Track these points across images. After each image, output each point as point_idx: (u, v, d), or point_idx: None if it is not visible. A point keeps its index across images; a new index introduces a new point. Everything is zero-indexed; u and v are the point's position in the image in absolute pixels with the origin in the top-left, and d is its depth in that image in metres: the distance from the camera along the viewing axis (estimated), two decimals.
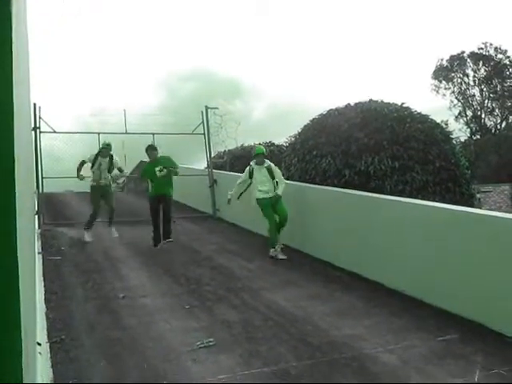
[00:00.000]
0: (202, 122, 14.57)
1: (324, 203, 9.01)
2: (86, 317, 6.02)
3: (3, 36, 1.93)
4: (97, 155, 10.70)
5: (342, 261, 8.32)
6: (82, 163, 10.76)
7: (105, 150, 10.75)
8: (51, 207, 14.10)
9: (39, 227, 11.21)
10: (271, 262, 8.73)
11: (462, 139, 39.23)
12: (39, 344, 4.68)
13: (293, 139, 11.55)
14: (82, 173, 10.76)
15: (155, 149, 10.05)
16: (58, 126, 12.90)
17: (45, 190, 12.63)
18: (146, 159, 18.52)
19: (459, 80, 43.19)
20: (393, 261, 7.23)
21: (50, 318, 5.84)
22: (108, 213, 10.86)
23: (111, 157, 10.80)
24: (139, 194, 19.07)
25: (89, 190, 10.90)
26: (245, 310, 6.28)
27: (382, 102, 10.15)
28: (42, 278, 7.41)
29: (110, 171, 10.71)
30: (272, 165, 9.17)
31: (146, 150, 10.13)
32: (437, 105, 44.78)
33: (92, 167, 10.63)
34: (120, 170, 10.95)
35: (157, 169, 9.88)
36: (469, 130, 43.39)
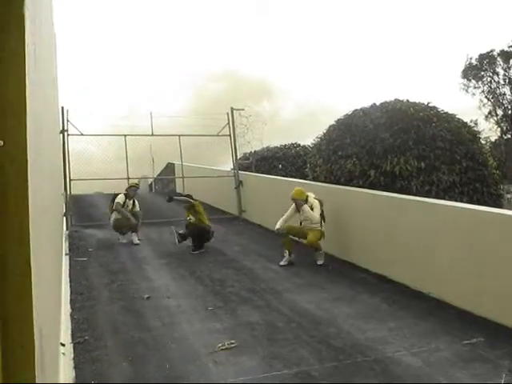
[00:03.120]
0: (228, 123, 14.64)
1: (349, 204, 8.91)
2: (110, 317, 6.07)
3: (16, 40, 1.95)
4: (125, 197, 10.87)
5: (368, 262, 8.23)
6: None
7: (132, 190, 11.03)
8: (80, 209, 14.29)
9: (67, 228, 11.36)
10: (296, 264, 8.67)
11: (493, 139, 38.44)
12: (63, 344, 4.73)
13: (318, 140, 11.43)
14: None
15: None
16: (88, 129, 13.13)
17: (75, 192, 12.82)
18: (173, 161, 18.79)
19: (489, 79, 42.34)
20: (419, 263, 7.11)
21: (74, 318, 5.91)
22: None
23: (134, 201, 11.05)
24: (168, 195, 19.18)
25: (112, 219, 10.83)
26: (268, 312, 6.25)
27: (407, 101, 9.97)
28: (68, 279, 7.51)
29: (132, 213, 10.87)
30: (313, 202, 8.92)
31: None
32: (466, 104, 44.06)
33: (122, 207, 10.74)
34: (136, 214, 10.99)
35: None
36: (499, 129, 42.52)
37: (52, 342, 3.59)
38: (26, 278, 1.88)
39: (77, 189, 13.34)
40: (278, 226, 8.98)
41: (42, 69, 3.64)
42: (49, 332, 3.26)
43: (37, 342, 1.95)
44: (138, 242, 10.56)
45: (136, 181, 11.82)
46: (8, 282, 1.83)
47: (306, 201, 8.94)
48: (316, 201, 8.94)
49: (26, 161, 1.93)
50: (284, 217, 9.07)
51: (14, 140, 1.90)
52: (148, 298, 6.78)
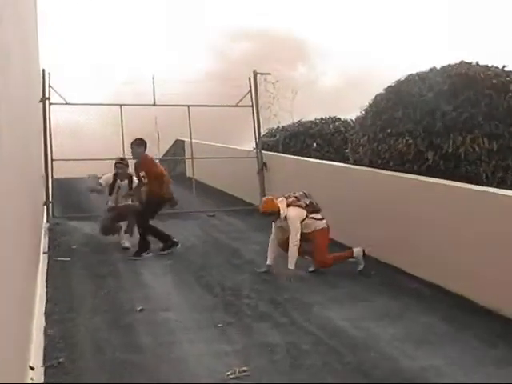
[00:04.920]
0: (250, 91, 14.38)
1: (400, 195, 8.74)
2: (93, 334, 6.02)
3: None
4: (114, 178, 10.40)
5: (420, 269, 8.06)
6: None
7: (121, 169, 10.46)
8: (65, 196, 14.27)
9: (47, 221, 11.38)
10: (330, 270, 8.53)
11: None
12: (32, 368, 4.70)
13: (362, 113, 11.20)
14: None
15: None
16: (83, 98, 13.10)
17: (62, 175, 12.78)
18: (182, 138, 18.63)
19: None
20: (486, 271, 6.90)
21: (49, 334, 5.87)
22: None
23: (131, 178, 10.42)
24: (175, 179, 19.12)
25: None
26: (292, 331, 6.16)
27: (477, 64, 9.71)
28: (44, 285, 7.50)
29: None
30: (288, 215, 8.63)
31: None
32: None
33: (110, 194, 10.40)
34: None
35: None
36: None
37: (13, 366, 3.54)
38: None
39: (65, 171, 13.27)
40: (268, 262, 8.66)
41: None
42: (8, 354, 3.20)
43: None
44: (127, 245, 10.00)
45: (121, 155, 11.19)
46: None
47: (279, 213, 8.65)
48: (291, 211, 8.68)
49: None
50: (270, 242, 8.79)
51: None
52: (141, 310, 6.73)
